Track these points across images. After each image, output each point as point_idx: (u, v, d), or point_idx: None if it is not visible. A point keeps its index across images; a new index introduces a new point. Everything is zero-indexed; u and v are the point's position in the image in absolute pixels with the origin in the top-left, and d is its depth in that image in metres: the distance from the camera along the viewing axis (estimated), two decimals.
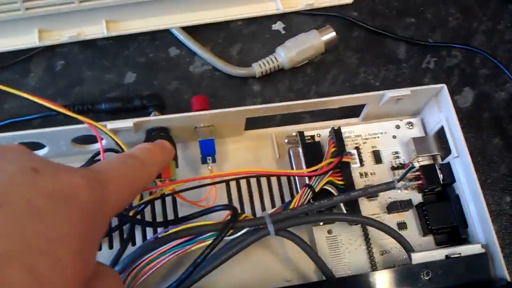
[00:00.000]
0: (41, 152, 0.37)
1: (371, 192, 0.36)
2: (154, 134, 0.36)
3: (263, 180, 0.39)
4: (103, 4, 0.43)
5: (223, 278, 0.35)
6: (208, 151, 0.37)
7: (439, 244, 0.38)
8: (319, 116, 0.42)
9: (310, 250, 0.34)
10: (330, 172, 0.37)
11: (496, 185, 0.43)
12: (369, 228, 0.37)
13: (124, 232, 0.36)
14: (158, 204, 0.37)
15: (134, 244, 0.36)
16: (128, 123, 0.35)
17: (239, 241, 0.33)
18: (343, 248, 0.37)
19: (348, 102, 0.39)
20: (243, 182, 0.38)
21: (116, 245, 0.36)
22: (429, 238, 0.38)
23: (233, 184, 0.38)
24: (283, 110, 0.38)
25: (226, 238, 0.33)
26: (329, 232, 0.37)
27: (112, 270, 0.23)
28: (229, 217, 0.33)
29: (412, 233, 0.38)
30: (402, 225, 0.38)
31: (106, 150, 0.34)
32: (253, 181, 0.38)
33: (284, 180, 0.39)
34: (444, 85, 0.39)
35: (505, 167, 0.44)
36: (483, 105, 0.46)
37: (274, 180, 0.39)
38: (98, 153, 0.35)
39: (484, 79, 0.47)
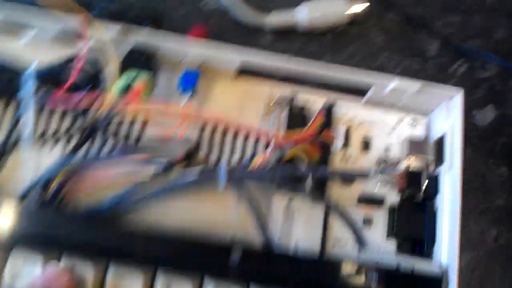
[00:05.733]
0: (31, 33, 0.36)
1: (344, 175, 0.33)
2: (135, 56, 0.35)
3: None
4: None
5: (166, 214, 0.33)
6: (188, 83, 0.35)
7: (401, 251, 0.35)
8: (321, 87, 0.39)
9: (257, 211, 0.32)
10: (306, 142, 0.34)
11: (486, 215, 0.39)
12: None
13: None
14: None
15: None
16: (115, 27, 0.34)
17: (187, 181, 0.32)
18: (298, 221, 0.34)
19: (352, 75, 0.35)
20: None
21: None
22: (391, 242, 0.35)
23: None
24: (282, 63, 0.35)
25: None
26: (290, 200, 0.35)
27: None
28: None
29: (376, 233, 0.35)
30: (368, 221, 0.35)
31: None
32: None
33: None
34: (462, 90, 0.35)
35: (503, 201, 0.39)
36: (503, 129, 0.42)
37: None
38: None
39: None
